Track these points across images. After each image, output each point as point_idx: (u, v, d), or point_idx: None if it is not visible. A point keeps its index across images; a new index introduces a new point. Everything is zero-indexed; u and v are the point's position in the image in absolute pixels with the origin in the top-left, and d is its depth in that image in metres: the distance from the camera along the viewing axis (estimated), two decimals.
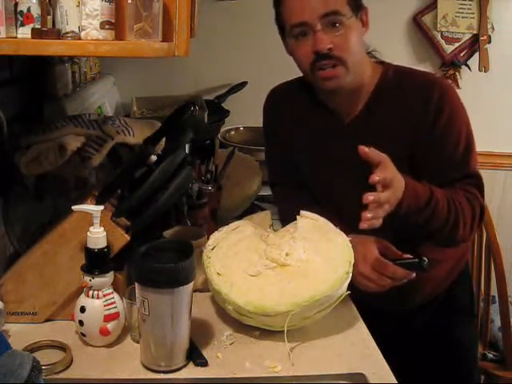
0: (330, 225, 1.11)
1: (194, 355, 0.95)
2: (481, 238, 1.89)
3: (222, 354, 0.97)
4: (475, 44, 2.37)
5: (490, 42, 2.36)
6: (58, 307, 1.04)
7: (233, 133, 2.16)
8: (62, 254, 1.02)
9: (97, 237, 0.95)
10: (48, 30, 0.84)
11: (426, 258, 1.09)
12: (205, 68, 2.31)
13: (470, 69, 2.40)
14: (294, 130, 1.36)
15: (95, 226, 0.95)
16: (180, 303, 0.90)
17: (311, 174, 1.37)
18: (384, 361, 0.97)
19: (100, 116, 1.54)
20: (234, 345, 1.01)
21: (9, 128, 1.17)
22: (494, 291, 1.87)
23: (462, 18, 2.34)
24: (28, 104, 1.40)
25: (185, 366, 0.94)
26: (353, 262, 1.03)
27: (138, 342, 0.97)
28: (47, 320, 1.05)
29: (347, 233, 1.09)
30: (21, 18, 0.84)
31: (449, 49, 2.36)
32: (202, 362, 0.94)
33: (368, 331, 1.07)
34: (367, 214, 1.00)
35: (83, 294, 0.98)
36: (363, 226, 1.01)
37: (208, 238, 1.14)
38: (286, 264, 1.04)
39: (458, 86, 2.38)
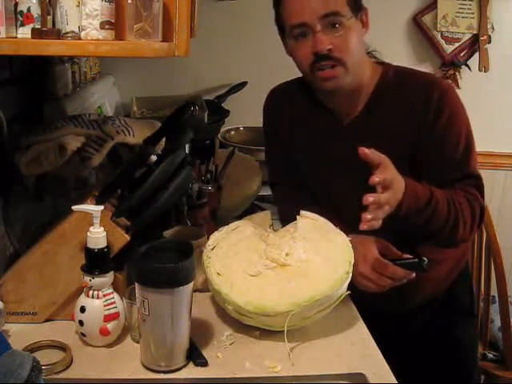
0: (330, 225, 1.11)
1: (194, 355, 0.95)
2: (481, 238, 1.89)
3: (222, 354, 0.97)
4: (475, 44, 2.37)
5: (489, 42, 2.36)
6: (58, 307, 1.04)
7: (233, 133, 2.16)
8: (62, 253, 1.02)
9: (97, 237, 0.95)
10: (48, 30, 0.84)
11: (425, 258, 1.09)
12: (205, 68, 2.31)
13: (470, 69, 2.40)
14: (293, 129, 1.36)
15: (95, 225, 0.95)
16: (180, 303, 0.90)
17: (311, 174, 1.37)
18: (384, 361, 0.97)
19: (100, 116, 1.54)
20: (234, 345, 1.01)
21: (9, 128, 1.17)
22: (494, 291, 1.87)
23: (462, 18, 2.34)
24: (28, 104, 1.40)
25: (185, 365, 0.94)
26: (353, 262, 1.03)
27: (137, 342, 0.97)
28: (47, 320, 1.05)
29: (347, 233, 1.09)
30: (21, 18, 0.84)
31: (449, 49, 2.37)
32: (202, 362, 0.94)
33: (368, 331, 1.07)
34: (367, 215, 1.00)
35: (83, 294, 0.98)
36: (363, 227, 1.01)
37: (208, 238, 1.14)
38: (285, 264, 1.04)
39: (457, 86, 2.38)
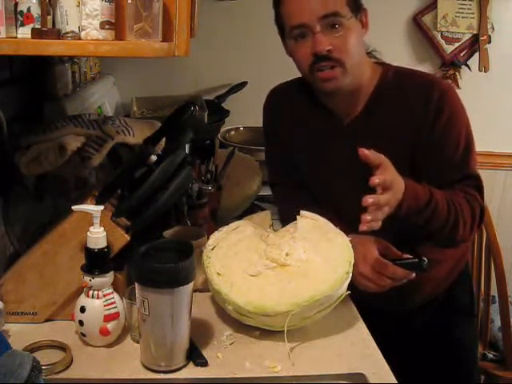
0: (330, 225, 1.11)
1: (194, 355, 0.95)
2: (481, 238, 1.89)
3: (222, 354, 0.97)
4: (475, 44, 2.37)
5: (490, 42, 2.36)
6: (58, 307, 1.04)
7: (233, 133, 2.16)
8: (62, 253, 1.02)
9: (97, 237, 0.95)
10: (48, 30, 0.84)
11: (425, 258, 1.09)
12: (205, 68, 2.31)
13: (470, 69, 2.40)
14: (293, 129, 1.36)
15: (95, 225, 0.95)
16: (180, 303, 0.90)
17: (311, 174, 1.37)
18: (384, 361, 0.97)
19: (100, 116, 1.54)
20: (234, 345, 1.01)
21: (9, 128, 1.17)
22: (494, 291, 1.87)
23: (462, 18, 2.34)
24: (28, 104, 1.40)
25: (185, 366, 0.94)
26: (353, 262, 1.03)
27: (137, 342, 0.97)
28: (47, 320, 1.05)
29: (347, 233, 1.09)
30: (21, 18, 0.84)
31: (449, 49, 2.37)
32: (202, 362, 0.94)
33: (368, 331, 1.07)
34: (366, 217, 1.00)
35: (83, 294, 0.98)
36: (362, 228, 1.01)
37: (208, 238, 1.14)
38: (286, 264, 1.04)
39: (457, 86, 2.38)
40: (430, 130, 1.19)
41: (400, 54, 2.34)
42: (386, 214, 1.03)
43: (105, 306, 0.96)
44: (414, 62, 2.38)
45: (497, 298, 1.85)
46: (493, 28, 2.36)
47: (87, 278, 0.96)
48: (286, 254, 1.05)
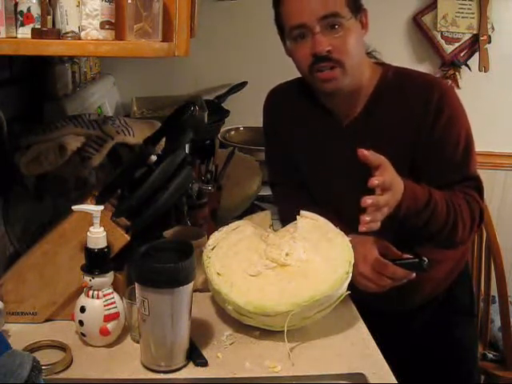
0: (330, 225, 1.11)
1: (194, 355, 0.95)
2: (481, 238, 1.89)
3: (221, 354, 0.97)
4: (475, 44, 2.37)
5: (490, 42, 2.36)
6: (58, 307, 1.04)
7: (233, 133, 2.16)
8: (62, 253, 1.02)
9: (97, 237, 0.95)
10: (48, 30, 0.84)
11: (425, 258, 1.09)
12: (205, 68, 2.31)
13: (470, 69, 2.40)
14: (293, 130, 1.36)
15: (95, 225, 0.95)
16: (180, 303, 0.90)
17: (311, 174, 1.37)
18: (384, 361, 0.97)
19: (100, 116, 1.54)
20: (234, 345, 1.01)
21: (9, 128, 1.17)
22: (494, 291, 1.87)
23: (462, 18, 2.34)
24: (28, 104, 1.40)
25: (185, 366, 0.94)
26: (353, 261, 1.03)
27: (137, 342, 0.97)
28: (47, 320, 1.05)
29: (347, 233, 1.09)
30: (21, 18, 0.84)
31: (449, 49, 2.37)
32: (202, 362, 0.94)
33: (368, 331, 1.07)
34: (365, 217, 1.00)
35: (83, 294, 0.98)
36: (362, 229, 1.01)
37: (208, 238, 1.14)
38: (286, 264, 1.04)
39: (457, 86, 2.39)
40: (430, 131, 1.19)
41: (400, 54, 2.35)
42: (385, 214, 1.03)
43: (105, 305, 0.96)
44: (414, 61, 2.38)
45: (497, 298, 1.85)
46: (493, 28, 2.36)
47: (87, 278, 0.96)
48: (286, 254, 1.05)
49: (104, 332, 0.96)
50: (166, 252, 0.94)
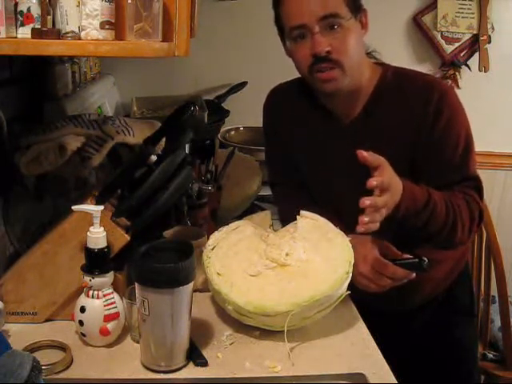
0: (330, 225, 1.11)
1: (194, 355, 0.95)
2: (481, 238, 1.89)
3: (222, 354, 0.97)
4: (475, 44, 2.37)
5: (490, 42, 2.36)
6: (58, 307, 1.04)
7: (233, 133, 2.16)
8: (62, 253, 1.02)
9: (97, 237, 0.95)
10: (48, 30, 0.84)
11: (425, 258, 1.09)
12: (205, 68, 2.31)
13: (470, 69, 2.40)
14: (293, 130, 1.36)
15: (95, 225, 0.95)
16: (180, 303, 0.90)
17: (311, 174, 1.37)
18: (384, 361, 0.97)
19: (100, 116, 1.54)
20: (234, 345, 1.01)
21: (9, 128, 1.17)
22: (494, 291, 1.87)
23: (462, 18, 2.34)
24: (28, 104, 1.40)
25: (185, 366, 0.94)
26: (353, 261, 1.03)
27: (137, 342, 0.97)
28: (47, 320, 1.05)
29: (347, 233, 1.09)
30: (21, 18, 0.84)
31: (449, 49, 2.36)
32: (202, 362, 0.94)
33: (368, 331, 1.07)
34: (364, 218, 1.00)
35: (83, 294, 0.98)
36: (360, 229, 1.01)
37: (208, 238, 1.14)
38: (286, 264, 1.04)
39: (457, 86, 2.39)
40: (430, 131, 1.19)
41: (400, 54, 2.35)
42: (383, 215, 1.03)
43: (105, 305, 0.96)
44: (414, 62, 2.38)
45: (497, 298, 1.85)
46: (493, 28, 2.36)
47: (87, 278, 0.96)
48: (286, 254, 1.05)
49: (104, 332, 0.96)
50: (166, 252, 0.94)
